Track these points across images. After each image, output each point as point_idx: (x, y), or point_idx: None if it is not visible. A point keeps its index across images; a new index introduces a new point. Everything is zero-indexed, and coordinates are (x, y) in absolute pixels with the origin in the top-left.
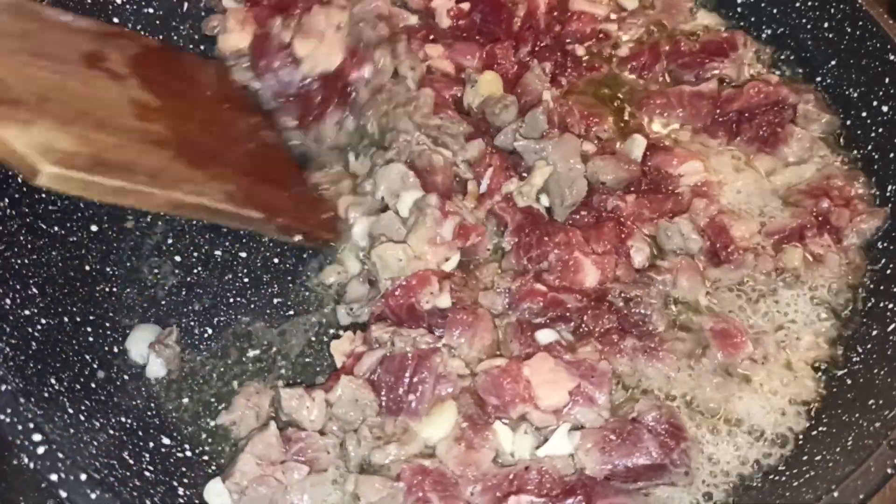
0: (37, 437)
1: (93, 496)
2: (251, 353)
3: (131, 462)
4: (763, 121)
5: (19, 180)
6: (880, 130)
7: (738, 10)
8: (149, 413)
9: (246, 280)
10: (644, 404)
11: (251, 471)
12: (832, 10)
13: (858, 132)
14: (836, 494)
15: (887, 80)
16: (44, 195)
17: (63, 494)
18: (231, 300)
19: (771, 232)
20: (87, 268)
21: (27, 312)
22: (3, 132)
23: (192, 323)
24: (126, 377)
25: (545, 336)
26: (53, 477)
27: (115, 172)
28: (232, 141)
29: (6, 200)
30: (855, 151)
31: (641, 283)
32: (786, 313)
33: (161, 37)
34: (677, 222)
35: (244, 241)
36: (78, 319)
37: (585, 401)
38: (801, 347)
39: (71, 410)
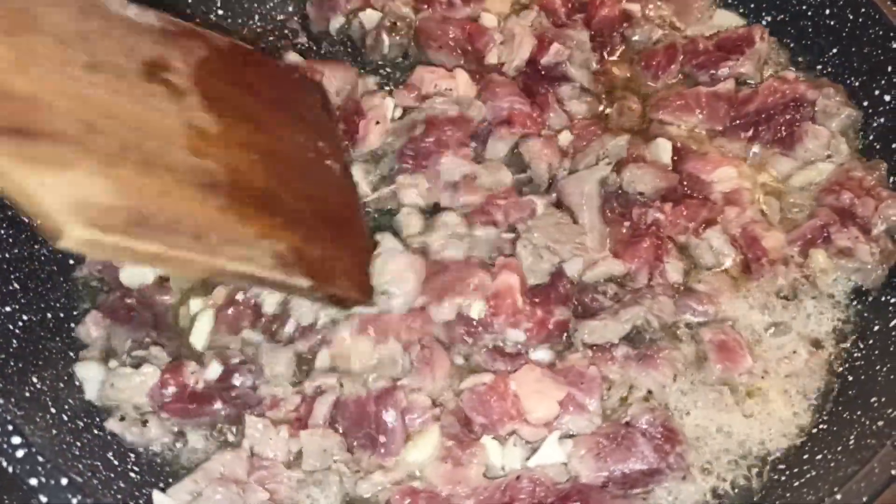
0: (16, 440)
1: (74, 501)
2: None
3: (116, 463)
4: (781, 121)
5: None
6: (882, 120)
7: None
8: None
9: None
10: (637, 408)
11: (213, 476)
12: None
13: (862, 121)
14: (838, 497)
15: (890, 68)
16: None
17: (43, 500)
18: None
19: (795, 239)
20: (71, 262)
21: (8, 309)
22: (33, 183)
23: None
24: None
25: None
26: (33, 481)
27: (154, 233)
28: (294, 175)
29: None
30: (857, 141)
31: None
32: (792, 325)
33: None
34: (707, 237)
35: None
36: (61, 315)
37: (576, 408)
38: (801, 361)
39: (53, 410)
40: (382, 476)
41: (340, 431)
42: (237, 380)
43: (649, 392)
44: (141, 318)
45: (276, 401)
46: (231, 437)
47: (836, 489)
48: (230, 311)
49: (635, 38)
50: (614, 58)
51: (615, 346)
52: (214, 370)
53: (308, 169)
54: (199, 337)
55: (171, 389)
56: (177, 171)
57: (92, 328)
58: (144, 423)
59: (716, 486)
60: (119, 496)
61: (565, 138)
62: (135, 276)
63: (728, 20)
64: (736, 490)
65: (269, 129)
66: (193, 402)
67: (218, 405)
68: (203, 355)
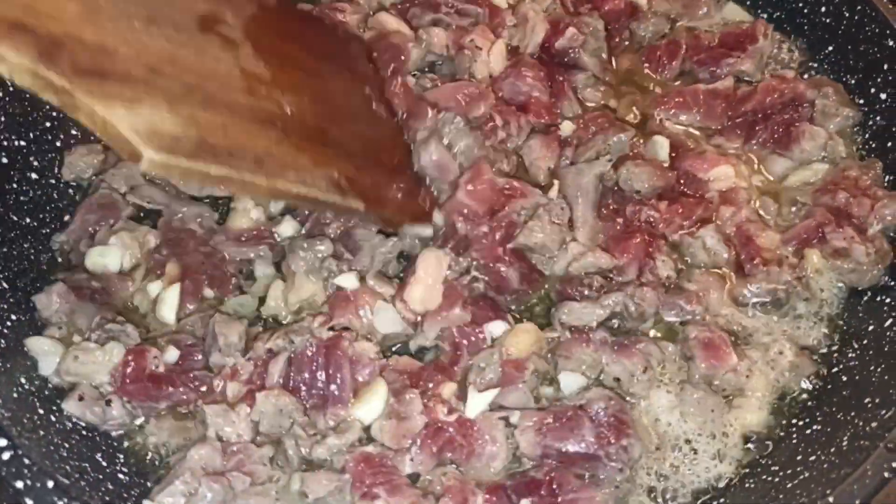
0: (2, 443)
1: None
2: None
3: (105, 464)
4: (779, 120)
5: None
6: (878, 119)
7: None
8: None
9: None
10: (596, 393)
11: (199, 473)
12: None
13: (858, 122)
14: (831, 500)
15: (886, 66)
16: (15, 185)
17: (29, 503)
18: None
19: (789, 238)
20: (60, 260)
21: None
22: (109, 113)
23: None
24: None
25: (497, 328)
26: (19, 484)
27: (220, 158)
28: (343, 117)
29: None
30: (856, 140)
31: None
32: (782, 326)
33: None
34: (701, 236)
35: None
36: None
37: (511, 386)
38: (786, 364)
39: (41, 411)
40: (336, 439)
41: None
42: (194, 362)
43: (616, 380)
44: (104, 301)
45: (234, 370)
46: (194, 426)
47: (828, 491)
48: (187, 281)
49: (641, 31)
50: (620, 50)
51: (593, 330)
52: (172, 354)
53: (356, 111)
54: (169, 311)
55: (132, 370)
56: (234, 109)
57: (55, 298)
58: (108, 402)
59: (707, 483)
60: (107, 498)
61: (568, 128)
62: (98, 262)
63: (735, 14)
64: (728, 491)
65: (317, 76)
66: (153, 383)
67: (175, 388)
68: (157, 341)
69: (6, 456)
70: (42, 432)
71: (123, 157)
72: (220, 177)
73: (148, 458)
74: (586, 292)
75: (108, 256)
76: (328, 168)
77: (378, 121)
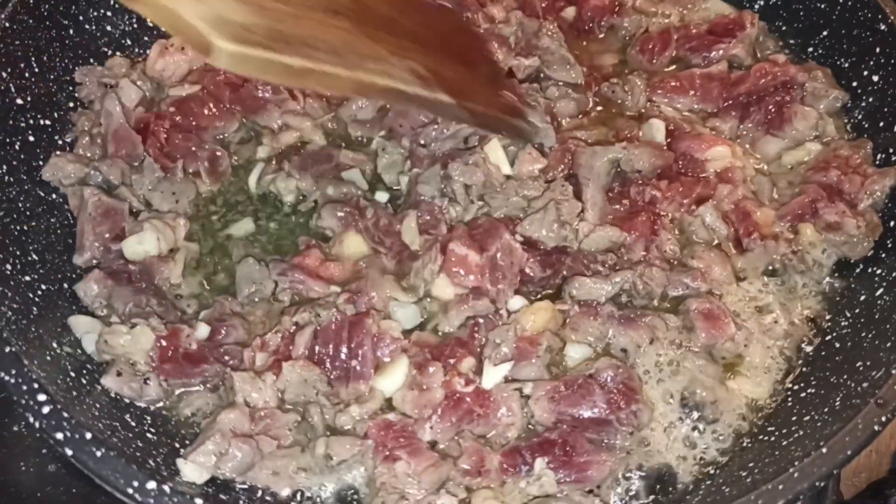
0: (42, 398)
1: (98, 454)
2: None
3: (133, 424)
4: (771, 102)
5: (17, 147)
6: (870, 100)
7: None
8: None
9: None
10: (604, 362)
11: (228, 436)
12: None
13: (849, 102)
14: (824, 451)
15: (878, 49)
16: (41, 162)
17: (69, 452)
18: None
19: (784, 214)
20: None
21: (28, 278)
22: (173, 6)
23: None
24: None
25: (516, 303)
26: (59, 435)
27: (295, 48)
28: (411, 7)
29: (4, 168)
30: (845, 121)
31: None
32: (779, 296)
33: None
34: (700, 213)
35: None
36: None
37: (524, 359)
38: (782, 332)
39: (73, 374)
40: (359, 408)
41: (321, 365)
42: (224, 337)
43: (623, 351)
44: (142, 283)
45: (264, 342)
46: (219, 394)
47: (822, 443)
48: None
49: (625, 26)
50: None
51: (601, 305)
52: (203, 330)
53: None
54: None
55: (167, 350)
56: None
57: (93, 284)
58: (146, 381)
59: (706, 450)
60: (138, 454)
61: None
62: (137, 250)
63: (720, 8)
64: (725, 453)
65: None
66: (187, 361)
67: (208, 364)
68: (192, 321)
69: (46, 410)
70: (74, 392)
71: (197, 51)
72: (300, 69)
73: (174, 420)
74: (600, 269)
75: (146, 242)
76: (406, 58)
77: (445, 13)
